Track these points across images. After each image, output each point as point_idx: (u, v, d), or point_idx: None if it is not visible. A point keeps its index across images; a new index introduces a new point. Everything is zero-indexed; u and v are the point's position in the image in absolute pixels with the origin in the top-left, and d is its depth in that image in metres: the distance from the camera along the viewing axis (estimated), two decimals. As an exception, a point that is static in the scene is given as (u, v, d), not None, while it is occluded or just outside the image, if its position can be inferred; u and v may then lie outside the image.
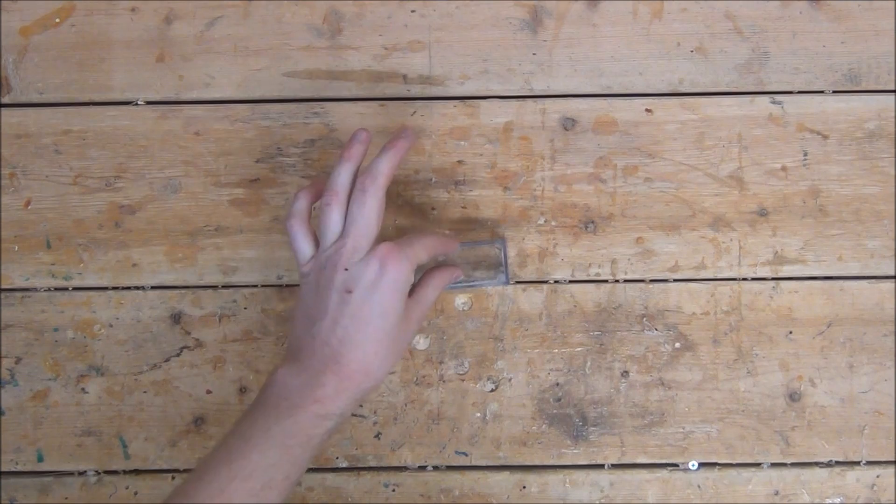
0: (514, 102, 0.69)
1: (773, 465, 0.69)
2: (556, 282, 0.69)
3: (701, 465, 0.69)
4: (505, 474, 0.69)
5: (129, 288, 0.70)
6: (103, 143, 0.69)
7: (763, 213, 0.69)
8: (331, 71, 0.69)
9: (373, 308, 0.54)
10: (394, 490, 0.69)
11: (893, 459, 0.69)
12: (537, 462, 0.69)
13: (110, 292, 0.70)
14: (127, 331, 0.69)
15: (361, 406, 0.69)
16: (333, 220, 0.57)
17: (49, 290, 0.69)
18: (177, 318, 0.69)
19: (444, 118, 0.69)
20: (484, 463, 0.69)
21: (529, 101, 0.69)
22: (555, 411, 0.69)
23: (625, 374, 0.69)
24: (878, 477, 0.69)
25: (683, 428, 0.69)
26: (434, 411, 0.69)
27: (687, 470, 0.69)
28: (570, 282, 0.69)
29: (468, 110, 0.69)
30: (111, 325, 0.69)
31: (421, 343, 0.69)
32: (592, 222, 0.69)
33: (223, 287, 0.69)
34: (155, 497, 0.69)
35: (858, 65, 0.69)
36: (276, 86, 0.69)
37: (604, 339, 0.69)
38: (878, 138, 0.69)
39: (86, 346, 0.69)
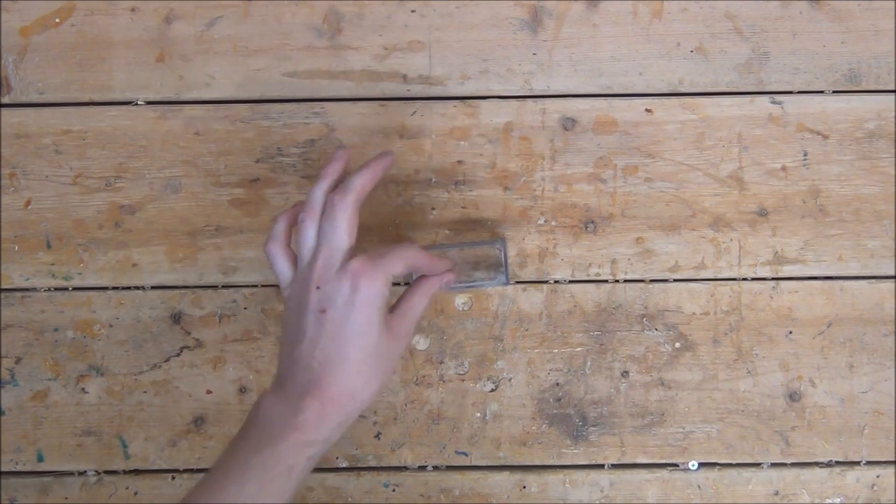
0: (514, 102, 0.69)
1: (773, 465, 0.69)
2: (556, 282, 0.69)
3: (701, 465, 0.69)
4: (505, 474, 0.69)
5: (129, 288, 0.70)
6: (103, 143, 0.69)
7: (763, 213, 0.69)
8: (331, 71, 0.69)
9: (350, 327, 0.52)
10: (394, 490, 0.69)
11: (893, 459, 0.69)
12: (537, 462, 0.69)
13: (110, 292, 0.70)
14: (127, 331, 0.69)
15: (361, 406, 0.69)
16: (308, 235, 0.56)
17: (49, 290, 0.69)
18: (177, 318, 0.69)
19: (444, 118, 0.69)
20: (484, 463, 0.69)
21: (529, 101, 0.69)
22: (555, 411, 0.69)
23: (625, 374, 0.69)
24: (878, 477, 0.69)
25: (683, 428, 0.69)
26: (434, 411, 0.69)
27: (687, 470, 0.69)
28: (570, 282, 0.69)
29: (468, 110, 0.69)
30: (111, 325, 0.69)
31: (421, 343, 0.69)
32: (592, 222, 0.69)
33: (223, 287, 0.69)
34: (155, 497, 0.69)
35: (858, 65, 0.69)
36: (276, 86, 0.69)
37: (604, 339, 0.69)
38: (878, 138, 0.69)
39: (86, 346, 0.69)
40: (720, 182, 0.69)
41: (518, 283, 0.69)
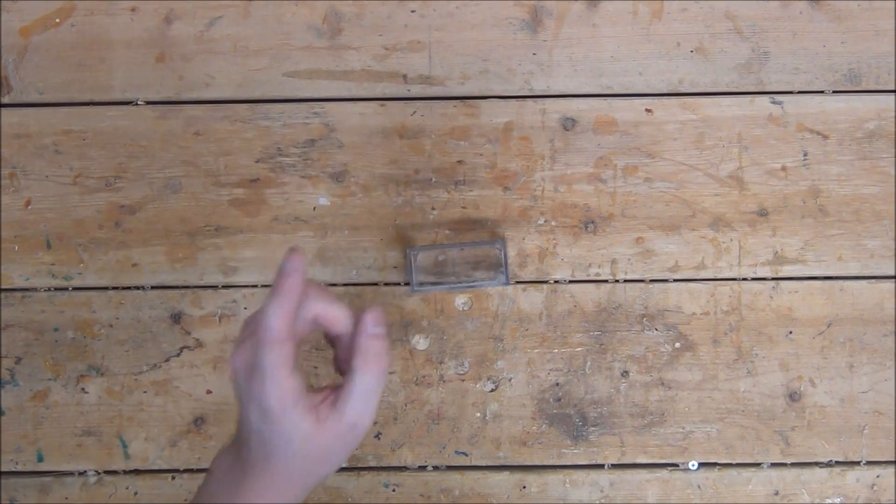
0: (514, 102, 0.69)
1: (773, 465, 0.69)
2: (556, 282, 0.69)
3: (701, 465, 0.69)
4: (505, 474, 0.69)
5: (129, 288, 0.70)
6: (103, 143, 0.69)
7: (763, 213, 0.69)
8: (331, 71, 0.69)
9: (272, 442, 0.46)
10: (394, 490, 0.69)
11: (893, 459, 0.69)
12: (537, 462, 0.69)
13: (110, 292, 0.70)
14: (127, 331, 0.69)
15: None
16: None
17: (49, 290, 0.69)
18: (177, 318, 0.69)
19: (444, 118, 0.69)
20: (484, 463, 0.69)
21: (529, 101, 0.69)
22: (555, 411, 0.69)
23: (625, 374, 0.69)
24: (878, 477, 0.69)
25: (683, 428, 0.69)
26: (434, 411, 0.69)
27: (687, 470, 0.69)
28: (570, 282, 0.69)
29: (468, 110, 0.69)
30: (111, 325, 0.69)
31: (421, 343, 0.69)
32: (592, 222, 0.69)
33: (223, 287, 0.69)
34: (155, 497, 0.69)
35: (858, 65, 0.69)
36: (276, 86, 0.69)
37: (604, 339, 0.69)
38: (878, 138, 0.69)
39: (86, 346, 0.69)
40: (720, 182, 0.69)
41: (518, 283, 0.69)
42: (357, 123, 0.69)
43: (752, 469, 0.69)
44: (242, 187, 0.69)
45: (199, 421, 0.69)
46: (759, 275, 0.69)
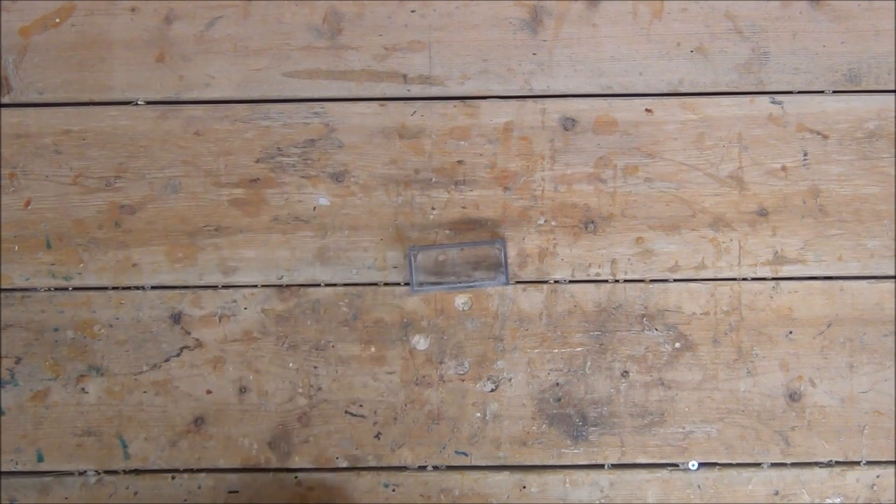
0: (514, 102, 0.69)
1: (773, 465, 0.69)
2: (556, 282, 0.69)
3: (701, 465, 0.69)
4: (505, 474, 0.69)
5: (129, 288, 0.70)
6: (103, 143, 0.69)
7: (763, 213, 0.69)
8: (331, 71, 0.69)
9: None
10: (394, 490, 0.69)
11: (893, 459, 0.69)
12: (537, 462, 0.69)
13: (110, 292, 0.70)
14: (127, 331, 0.69)
15: (361, 406, 0.69)
16: None
17: (49, 290, 0.69)
18: (177, 318, 0.69)
19: (444, 118, 0.69)
20: (484, 463, 0.69)
21: (529, 101, 0.69)
22: (555, 411, 0.69)
23: (625, 374, 0.69)
24: (878, 477, 0.69)
25: (683, 428, 0.69)
26: (434, 411, 0.69)
27: (687, 470, 0.69)
28: (570, 282, 0.69)
29: (468, 110, 0.69)
30: (111, 325, 0.69)
31: (421, 343, 0.69)
32: (592, 222, 0.69)
33: (223, 287, 0.69)
34: (155, 497, 0.69)
35: (858, 65, 0.69)
36: (276, 86, 0.69)
37: (604, 339, 0.69)
38: (878, 138, 0.69)
39: (86, 346, 0.69)
40: (720, 182, 0.69)
41: (518, 283, 0.69)
42: (357, 123, 0.69)
43: (752, 469, 0.69)
44: (242, 187, 0.69)
45: (199, 421, 0.69)
46: (759, 275, 0.69)
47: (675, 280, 0.69)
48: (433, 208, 0.69)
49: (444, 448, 0.69)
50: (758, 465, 0.69)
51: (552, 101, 0.69)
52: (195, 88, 0.69)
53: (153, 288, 0.70)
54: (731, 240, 0.69)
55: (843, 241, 0.69)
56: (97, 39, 0.70)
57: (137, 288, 0.70)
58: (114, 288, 0.70)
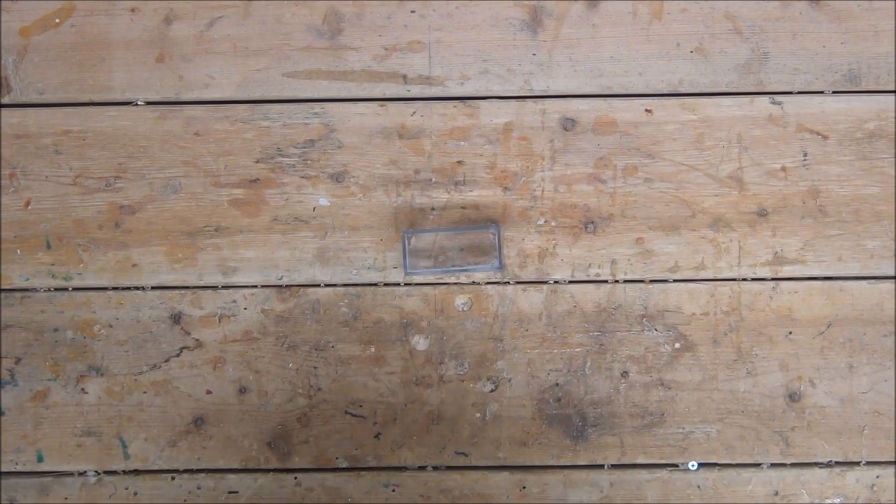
0: (513, 103, 0.69)
1: (773, 465, 0.69)
2: (555, 282, 0.69)
3: (701, 465, 0.69)
4: (505, 475, 0.69)
5: (129, 288, 0.70)
6: (103, 143, 0.69)
7: (763, 213, 0.69)
8: (331, 71, 0.69)
9: None
10: (394, 490, 0.69)
11: (893, 459, 0.69)
12: (537, 462, 0.69)
13: (110, 292, 0.70)
14: (127, 331, 0.69)
15: (361, 406, 0.69)
16: None
17: (49, 290, 0.69)
18: (177, 318, 0.69)
19: (444, 118, 0.69)
20: (484, 463, 0.69)
21: (529, 101, 0.69)
22: (555, 411, 0.69)
23: (625, 374, 0.69)
24: (878, 477, 0.69)
25: (683, 428, 0.69)
26: (434, 411, 0.69)
27: (687, 470, 0.69)
28: (570, 282, 0.69)
29: (468, 110, 0.69)
30: (111, 326, 0.69)
31: (421, 343, 0.69)
32: (592, 222, 0.69)
33: (223, 287, 0.69)
34: (155, 497, 0.69)
35: (858, 65, 0.69)
36: (276, 86, 0.69)
37: (603, 340, 0.69)
38: (877, 138, 0.69)
39: (86, 346, 0.69)
40: (720, 182, 0.69)
41: (518, 283, 0.69)
42: (357, 124, 0.69)
43: (752, 469, 0.69)
44: (242, 187, 0.69)
45: (198, 421, 0.69)
46: (759, 275, 0.69)
47: (675, 280, 0.69)
48: (433, 209, 0.69)
49: (443, 448, 0.69)
50: (758, 465, 0.69)
51: (552, 101, 0.69)
52: (195, 89, 0.70)
53: (153, 288, 0.70)
54: (731, 240, 0.69)
55: (843, 242, 0.69)
56: (97, 40, 0.70)
57: (137, 288, 0.70)
58: (114, 288, 0.70)
